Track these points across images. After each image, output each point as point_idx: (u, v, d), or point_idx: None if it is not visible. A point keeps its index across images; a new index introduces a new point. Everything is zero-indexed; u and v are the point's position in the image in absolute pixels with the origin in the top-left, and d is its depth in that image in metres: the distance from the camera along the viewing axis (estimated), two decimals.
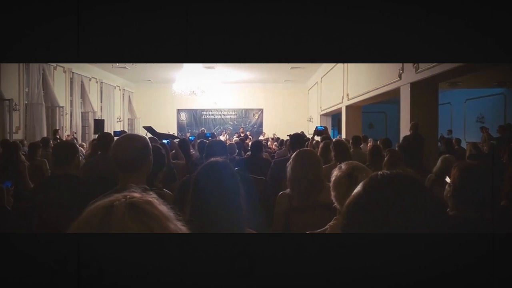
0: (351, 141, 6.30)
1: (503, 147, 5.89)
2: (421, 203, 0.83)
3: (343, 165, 1.76)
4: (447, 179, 1.67)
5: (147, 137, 1.81)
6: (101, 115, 14.26)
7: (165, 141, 4.77)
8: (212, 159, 1.70)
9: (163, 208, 0.81)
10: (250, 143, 6.66)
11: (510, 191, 2.03)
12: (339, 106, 12.36)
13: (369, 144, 8.15)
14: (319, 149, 4.15)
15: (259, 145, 4.88)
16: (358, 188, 0.88)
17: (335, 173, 1.75)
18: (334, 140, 4.40)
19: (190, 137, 7.43)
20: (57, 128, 10.65)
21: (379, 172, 0.88)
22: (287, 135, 6.24)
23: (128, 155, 1.69)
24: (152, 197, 0.82)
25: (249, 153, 5.29)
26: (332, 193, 1.73)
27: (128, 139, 1.78)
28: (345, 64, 11.52)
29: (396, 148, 4.85)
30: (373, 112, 16.49)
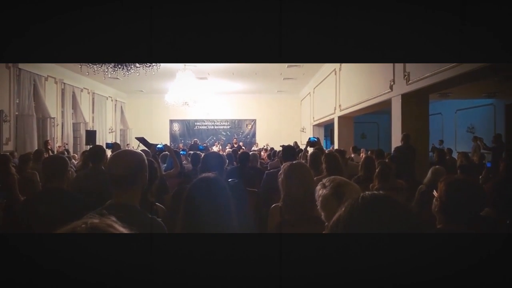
0: None
1: (500, 156, 5.94)
2: (399, 223, 0.87)
3: (326, 182, 1.75)
4: (435, 193, 1.69)
5: (143, 153, 1.79)
6: (93, 126, 14.21)
7: (160, 145, 4.74)
8: (203, 175, 1.70)
9: (124, 229, 0.84)
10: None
11: (492, 197, 2.06)
12: (331, 117, 12.46)
13: (361, 155, 8.20)
14: (308, 158, 4.17)
15: (246, 157, 4.96)
16: (340, 211, 0.92)
17: (320, 192, 1.73)
18: (326, 152, 4.42)
19: (181, 152, 7.40)
20: (48, 139, 10.56)
21: (361, 194, 0.92)
22: (280, 146, 6.28)
23: (123, 171, 1.66)
24: (112, 220, 0.84)
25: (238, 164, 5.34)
26: (322, 213, 1.71)
27: (124, 155, 1.75)
28: (337, 75, 11.64)
29: (387, 160, 4.89)
30: (365, 122, 16.63)
